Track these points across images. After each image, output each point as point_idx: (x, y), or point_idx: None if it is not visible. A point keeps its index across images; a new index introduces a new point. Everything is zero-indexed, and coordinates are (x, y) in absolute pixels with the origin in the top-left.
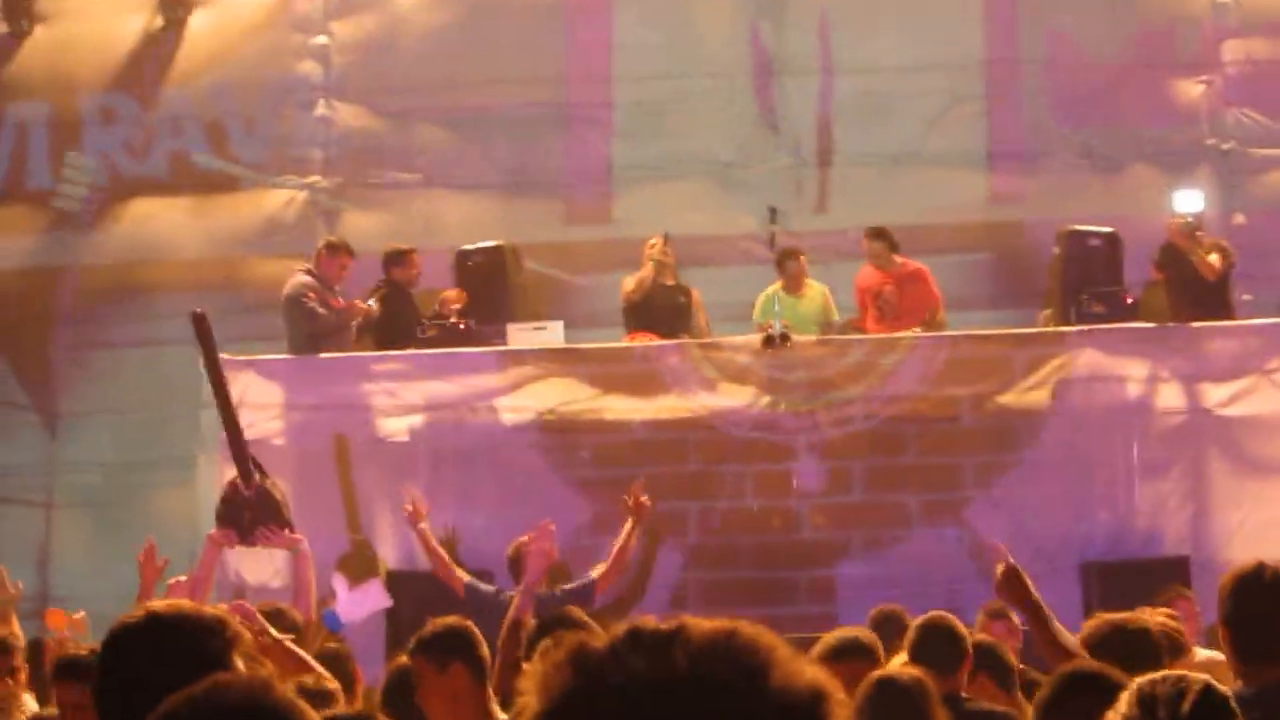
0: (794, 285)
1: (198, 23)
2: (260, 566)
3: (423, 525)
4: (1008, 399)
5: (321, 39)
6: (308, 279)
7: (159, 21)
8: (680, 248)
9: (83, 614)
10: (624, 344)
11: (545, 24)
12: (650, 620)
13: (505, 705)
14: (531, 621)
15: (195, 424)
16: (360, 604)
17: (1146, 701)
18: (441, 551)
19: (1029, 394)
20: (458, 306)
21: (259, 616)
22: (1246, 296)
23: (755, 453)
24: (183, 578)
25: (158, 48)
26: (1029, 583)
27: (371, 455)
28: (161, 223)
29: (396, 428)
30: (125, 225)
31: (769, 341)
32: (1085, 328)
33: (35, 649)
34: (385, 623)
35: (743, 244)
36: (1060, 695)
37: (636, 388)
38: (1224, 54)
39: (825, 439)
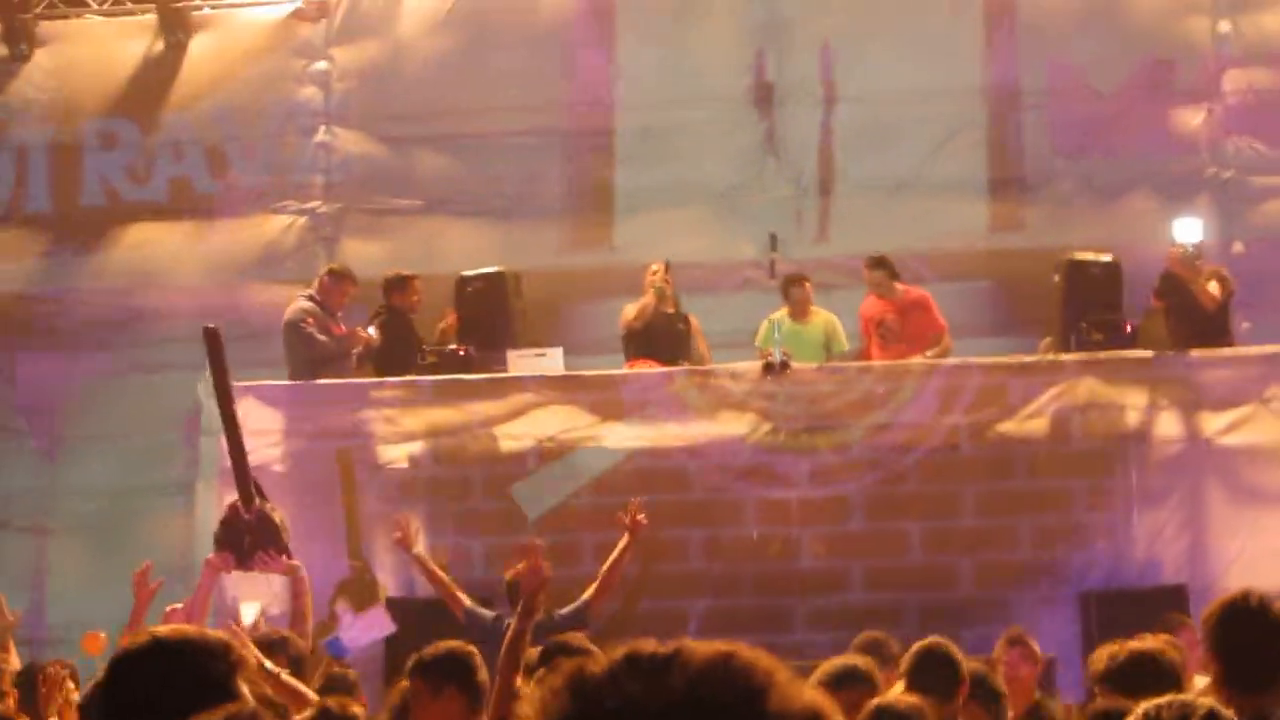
0: (799, 312)
1: (198, 47)
2: (258, 591)
3: (417, 550)
4: (1007, 427)
5: (323, 65)
6: (309, 305)
7: (160, 46)
8: (681, 275)
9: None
10: (624, 371)
11: (547, 51)
12: (648, 643)
13: None
14: (531, 649)
15: (194, 450)
16: (364, 631)
17: None
18: (441, 574)
19: (1028, 422)
20: (450, 331)
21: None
22: (1246, 325)
23: (755, 480)
24: (179, 605)
25: (158, 72)
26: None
27: (371, 482)
28: (162, 248)
29: (396, 454)
30: (125, 250)
31: (768, 369)
32: (1085, 356)
33: (28, 674)
34: (384, 650)
35: (743, 271)
36: None
37: (636, 415)
38: (1224, 83)
39: (825, 467)
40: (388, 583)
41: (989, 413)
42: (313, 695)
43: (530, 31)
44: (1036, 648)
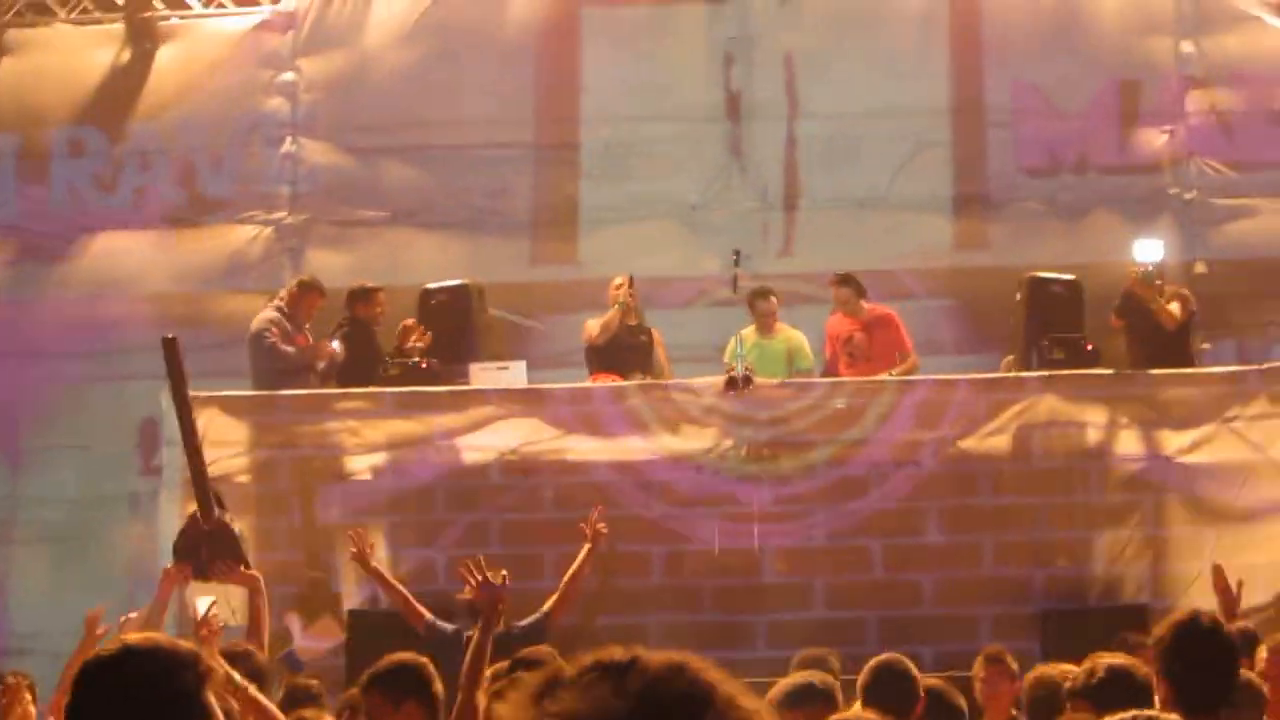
0: (764, 326)
1: (166, 57)
2: (217, 603)
3: (375, 564)
4: (969, 444)
5: (290, 75)
6: (274, 315)
7: (127, 55)
8: (645, 289)
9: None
10: (587, 385)
11: (514, 64)
12: (613, 650)
13: None
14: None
15: (157, 460)
16: (315, 641)
17: None
18: (400, 587)
19: (990, 439)
20: (420, 345)
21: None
22: (1206, 345)
23: (717, 495)
24: (133, 614)
25: (126, 81)
26: None
27: (334, 493)
28: (128, 257)
29: (359, 466)
30: (91, 259)
31: (732, 384)
32: (1047, 374)
33: None
34: (344, 661)
35: (708, 286)
36: None
37: (599, 429)
38: (1187, 104)
39: (787, 482)
40: (350, 594)
41: (951, 430)
42: (276, 710)
43: (497, 45)
44: (1015, 665)
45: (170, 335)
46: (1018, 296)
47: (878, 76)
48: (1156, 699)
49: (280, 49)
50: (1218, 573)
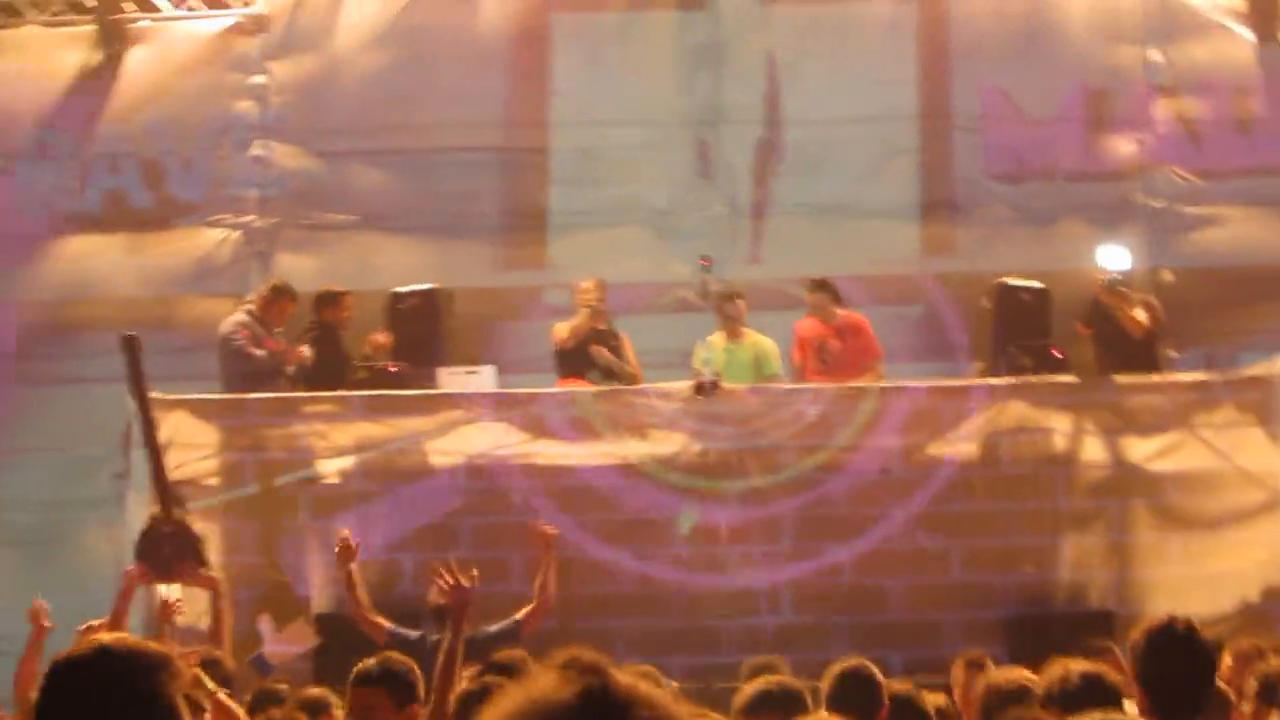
0: (731, 330)
1: (135, 60)
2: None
3: (352, 566)
4: (937, 450)
5: (259, 79)
6: (244, 319)
7: (97, 58)
8: (614, 295)
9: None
10: (555, 389)
11: (484, 69)
12: (585, 654)
13: None
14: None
15: (126, 463)
16: (286, 645)
17: None
18: (364, 597)
19: (958, 445)
20: (384, 343)
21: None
22: (1173, 353)
23: (685, 500)
24: (95, 622)
25: (95, 84)
26: None
27: (302, 496)
28: (96, 260)
29: (327, 469)
30: (59, 262)
31: (699, 389)
32: (1014, 380)
33: None
34: (312, 664)
35: (677, 292)
36: None
37: (567, 433)
38: (1155, 112)
39: (755, 488)
40: (317, 597)
41: (919, 436)
42: (245, 715)
43: (467, 49)
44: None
45: (129, 333)
46: (986, 304)
47: (846, 83)
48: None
49: (250, 52)
50: None
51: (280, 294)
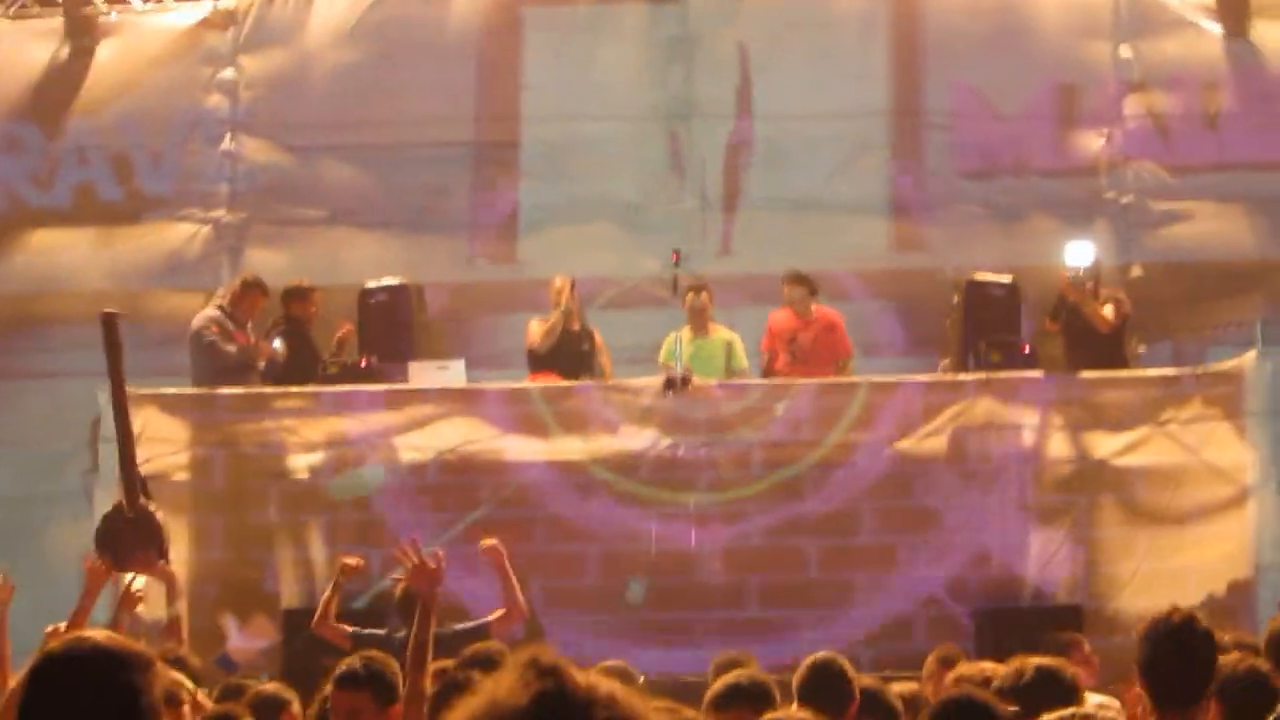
0: (697, 322)
1: (105, 53)
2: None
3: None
4: (906, 445)
5: (230, 73)
6: (215, 313)
7: (66, 51)
8: (584, 289)
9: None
10: (526, 385)
11: (455, 64)
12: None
13: None
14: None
15: (94, 458)
16: (251, 642)
17: None
18: (330, 609)
19: (926, 441)
20: (347, 339)
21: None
22: (1142, 348)
23: (655, 494)
24: (61, 625)
25: (65, 77)
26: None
27: (272, 492)
28: (65, 254)
29: (297, 465)
30: (28, 256)
31: (670, 384)
32: (983, 376)
33: None
34: (281, 659)
35: (648, 287)
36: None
37: (537, 429)
38: (1125, 108)
39: (724, 482)
40: (286, 593)
41: (887, 431)
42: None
43: (438, 44)
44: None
45: (110, 310)
46: (955, 299)
47: (817, 79)
48: (1090, 698)
49: (221, 46)
50: None
51: (251, 289)
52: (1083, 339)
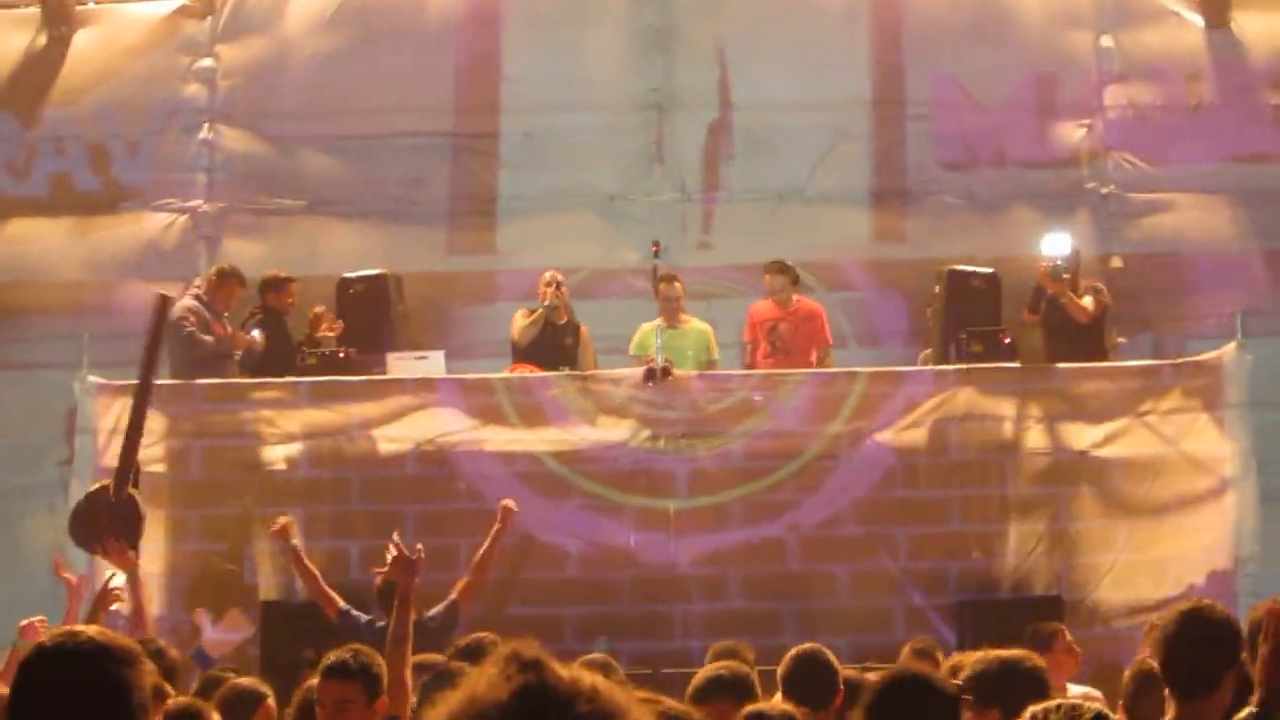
0: (669, 312)
1: (83, 42)
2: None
3: (294, 543)
4: (886, 436)
5: (208, 62)
6: (193, 304)
7: (43, 39)
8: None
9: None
10: (505, 375)
11: (434, 53)
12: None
13: None
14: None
15: (69, 450)
16: (226, 635)
17: None
18: (314, 570)
19: (907, 432)
20: (330, 333)
21: None
22: (1122, 339)
23: (634, 487)
24: (36, 620)
25: (41, 66)
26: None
27: (249, 483)
28: (41, 244)
29: (274, 456)
30: (3, 246)
31: (650, 375)
32: (963, 367)
33: None
34: (259, 652)
35: (627, 277)
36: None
37: (517, 419)
38: (1105, 98)
39: (704, 474)
40: (265, 585)
41: (868, 422)
42: None
43: (417, 33)
44: (942, 658)
45: (166, 293)
46: (936, 290)
47: (798, 69)
48: (1071, 689)
49: (198, 35)
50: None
51: (228, 278)
52: (1063, 330)
